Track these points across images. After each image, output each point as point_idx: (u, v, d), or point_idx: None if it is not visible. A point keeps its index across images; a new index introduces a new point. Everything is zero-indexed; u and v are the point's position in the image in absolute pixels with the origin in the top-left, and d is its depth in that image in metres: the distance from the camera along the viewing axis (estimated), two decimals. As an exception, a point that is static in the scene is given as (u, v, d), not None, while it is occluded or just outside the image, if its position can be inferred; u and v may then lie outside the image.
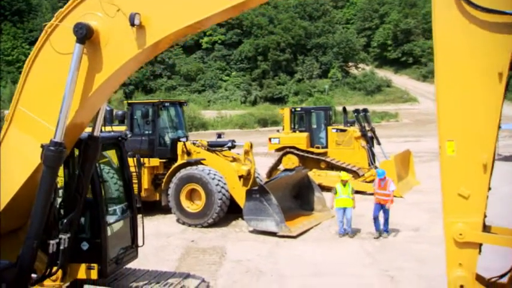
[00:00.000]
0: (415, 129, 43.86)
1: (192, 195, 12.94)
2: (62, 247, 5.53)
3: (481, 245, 4.50)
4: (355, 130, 17.42)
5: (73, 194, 5.70)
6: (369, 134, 17.40)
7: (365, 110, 18.16)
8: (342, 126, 18.24)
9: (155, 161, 13.53)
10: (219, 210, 12.47)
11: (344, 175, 12.17)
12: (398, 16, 72.58)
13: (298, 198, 13.89)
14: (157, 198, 13.71)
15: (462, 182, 4.34)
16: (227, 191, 12.62)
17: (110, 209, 6.55)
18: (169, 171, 13.14)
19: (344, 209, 11.67)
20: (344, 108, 19.35)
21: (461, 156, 4.32)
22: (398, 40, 72.49)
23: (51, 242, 5.43)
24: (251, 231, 12.25)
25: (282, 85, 63.28)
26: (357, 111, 17.74)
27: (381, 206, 11.66)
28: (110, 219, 6.40)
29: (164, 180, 13.18)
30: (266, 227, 11.80)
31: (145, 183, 13.15)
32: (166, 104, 14.07)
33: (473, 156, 4.29)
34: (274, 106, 55.20)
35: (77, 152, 5.80)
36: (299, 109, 19.21)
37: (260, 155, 22.85)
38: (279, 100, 61.20)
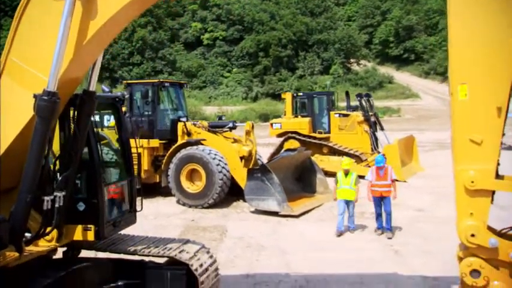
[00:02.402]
0: (417, 123, 43.59)
1: (192, 176, 12.76)
2: (57, 205, 5.34)
3: (493, 193, 4.31)
4: (358, 115, 17.21)
5: (68, 152, 5.52)
6: (372, 119, 17.20)
7: (368, 95, 17.98)
8: (344, 111, 18.05)
9: (155, 142, 13.33)
10: (220, 190, 12.29)
11: (345, 163, 10.58)
12: (400, 13, 72.30)
13: (300, 181, 13.70)
14: (157, 180, 13.55)
15: (475, 127, 4.16)
16: (228, 171, 12.44)
17: (107, 171, 6.36)
18: (169, 152, 12.96)
19: (346, 202, 10.18)
20: (347, 93, 19.19)
21: (474, 100, 4.15)
22: (400, 37, 72.20)
23: (46, 198, 5.24)
24: (252, 212, 12.08)
25: (284, 81, 63.03)
26: (359, 95, 17.55)
27: (381, 200, 10.06)
28: (107, 180, 6.21)
29: (164, 160, 13.00)
30: (268, 206, 11.62)
31: (145, 165, 12.95)
32: (166, 85, 13.84)
33: (487, 99, 4.11)
34: (275, 102, 54.99)
35: (72, 111, 5.62)
36: (301, 94, 18.99)
37: (261, 146, 22.71)
38: (280, 96, 60.91)
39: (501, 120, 4.15)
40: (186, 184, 12.69)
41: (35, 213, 5.49)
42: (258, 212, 11.89)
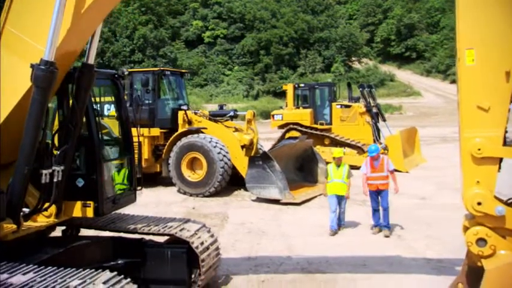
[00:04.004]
0: (419, 120, 43.47)
1: (193, 164, 12.69)
2: (55, 180, 5.26)
3: (501, 160, 4.22)
4: (359, 106, 17.11)
5: (67, 125, 5.43)
6: (374, 110, 17.09)
7: (370, 86, 17.89)
8: (346, 102, 17.96)
9: (155, 131, 13.24)
10: (221, 179, 12.21)
11: (337, 151, 9.67)
12: (401, 11, 72.12)
13: (302, 171, 13.62)
14: (158, 170, 13.48)
15: (482, 94, 4.07)
16: (229, 159, 12.36)
17: (106, 148, 6.27)
18: (170, 140, 12.88)
19: (337, 197, 9.25)
20: (349, 84, 19.14)
21: (482, 65, 4.06)
22: (402, 35, 71.99)
23: (44, 171, 5.16)
24: (254, 200, 12.01)
25: (285, 79, 62.66)
26: (361, 86, 17.47)
27: (378, 194, 9.09)
28: (107, 156, 6.13)
29: (165, 149, 12.91)
30: (269, 194, 11.53)
31: (145, 154, 12.85)
32: (167, 73, 13.74)
33: (495, 64, 4.02)
34: (276, 100, 54.90)
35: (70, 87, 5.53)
36: (303, 85, 18.89)
37: (262, 140, 22.69)
38: (282, 94, 60.72)
39: (510, 85, 4.05)
40: (186, 173, 12.61)
41: (34, 190, 5.42)
42: (260, 200, 11.81)
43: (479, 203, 4.17)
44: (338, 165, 9.28)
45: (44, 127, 5.03)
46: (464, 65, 4.17)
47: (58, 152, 5.31)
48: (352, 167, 14.44)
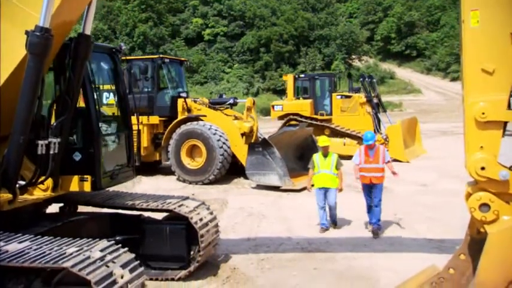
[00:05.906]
0: (419, 117, 43.13)
1: (192, 152, 12.61)
2: (51, 152, 5.19)
3: (505, 125, 4.14)
4: (360, 96, 17.02)
5: (63, 97, 5.36)
6: (375, 100, 17.00)
7: (371, 77, 17.77)
8: (346, 93, 17.87)
9: (155, 119, 13.14)
10: (221, 166, 12.13)
11: (322, 140, 8.47)
12: (402, 9, 72.00)
13: (302, 160, 13.50)
14: (157, 158, 13.39)
15: (487, 56, 3.97)
16: (229, 147, 12.29)
17: (104, 124, 6.19)
18: (169, 127, 12.80)
19: (325, 191, 8.23)
20: (349, 74, 19.06)
21: (487, 27, 3.96)
22: (402, 33, 71.90)
23: (40, 142, 5.10)
24: (253, 187, 11.93)
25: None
26: (362, 77, 17.37)
27: (371, 188, 7.95)
28: (104, 131, 6.06)
29: (164, 136, 12.83)
30: (269, 181, 11.46)
31: (144, 142, 12.76)
32: (166, 61, 13.63)
33: (500, 26, 3.92)
34: (276, 97, 54.78)
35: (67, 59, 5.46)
36: (303, 76, 18.78)
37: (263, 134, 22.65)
38: (282, 92, 60.66)
39: None
40: (186, 160, 12.54)
41: (31, 164, 5.36)
42: (259, 187, 11.74)
43: (482, 168, 4.07)
44: (325, 155, 8.26)
45: (39, 96, 4.95)
46: (468, 27, 4.08)
47: (55, 124, 5.25)
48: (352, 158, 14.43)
